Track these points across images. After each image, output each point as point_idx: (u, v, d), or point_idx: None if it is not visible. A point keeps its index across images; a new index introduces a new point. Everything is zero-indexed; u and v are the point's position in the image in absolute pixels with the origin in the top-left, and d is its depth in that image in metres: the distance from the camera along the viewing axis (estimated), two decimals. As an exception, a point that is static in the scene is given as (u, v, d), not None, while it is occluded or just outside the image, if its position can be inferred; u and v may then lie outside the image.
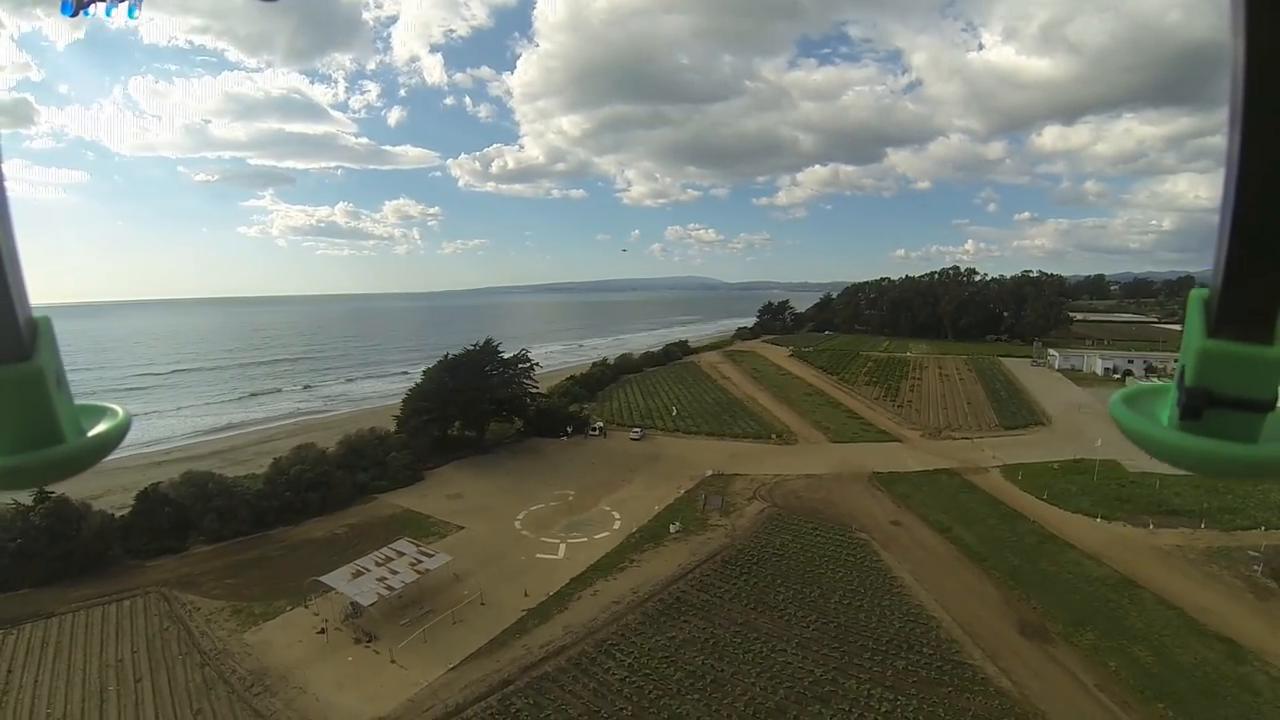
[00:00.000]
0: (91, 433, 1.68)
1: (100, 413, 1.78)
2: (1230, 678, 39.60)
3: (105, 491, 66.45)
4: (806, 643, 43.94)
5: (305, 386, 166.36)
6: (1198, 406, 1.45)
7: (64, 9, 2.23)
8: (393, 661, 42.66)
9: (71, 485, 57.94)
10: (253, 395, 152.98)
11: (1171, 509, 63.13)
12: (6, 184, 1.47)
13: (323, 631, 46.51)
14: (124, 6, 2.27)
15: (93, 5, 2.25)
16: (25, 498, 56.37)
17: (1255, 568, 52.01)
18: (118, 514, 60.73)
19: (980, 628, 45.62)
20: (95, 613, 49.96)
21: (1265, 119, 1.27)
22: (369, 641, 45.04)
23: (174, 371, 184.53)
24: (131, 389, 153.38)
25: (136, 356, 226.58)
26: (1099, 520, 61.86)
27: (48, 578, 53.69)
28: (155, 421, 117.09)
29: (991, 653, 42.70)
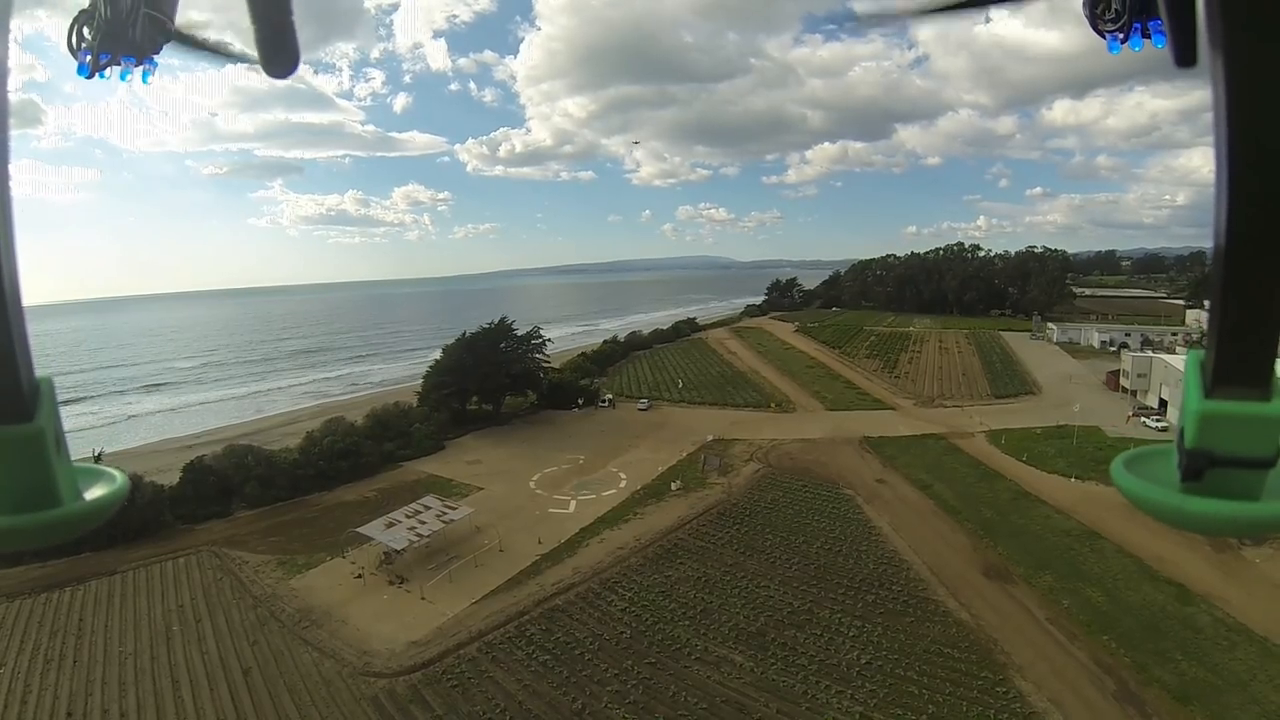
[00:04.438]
0: (89, 496, 1.71)
1: (98, 476, 1.81)
2: (1175, 617, 43.79)
3: (146, 472, 70.66)
4: (788, 580, 49.30)
5: (325, 372, 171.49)
6: (1199, 468, 1.46)
7: (80, 70, 2.28)
8: (423, 598, 48.54)
9: (120, 463, 63.64)
10: (275, 381, 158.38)
11: (1145, 470, 67.14)
12: (18, 256, 1.50)
13: (360, 576, 52.46)
14: (139, 71, 2.33)
15: (109, 69, 2.31)
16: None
17: (1217, 524, 55.95)
18: (165, 487, 66.29)
19: (947, 570, 50.56)
20: (154, 569, 55.72)
21: (1249, 183, 1.32)
22: (401, 584, 50.98)
23: (197, 365, 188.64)
24: (157, 384, 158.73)
25: (158, 350, 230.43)
26: (1073, 480, 65.86)
27: (108, 542, 58.52)
28: (183, 415, 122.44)
29: (954, 590, 47.65)
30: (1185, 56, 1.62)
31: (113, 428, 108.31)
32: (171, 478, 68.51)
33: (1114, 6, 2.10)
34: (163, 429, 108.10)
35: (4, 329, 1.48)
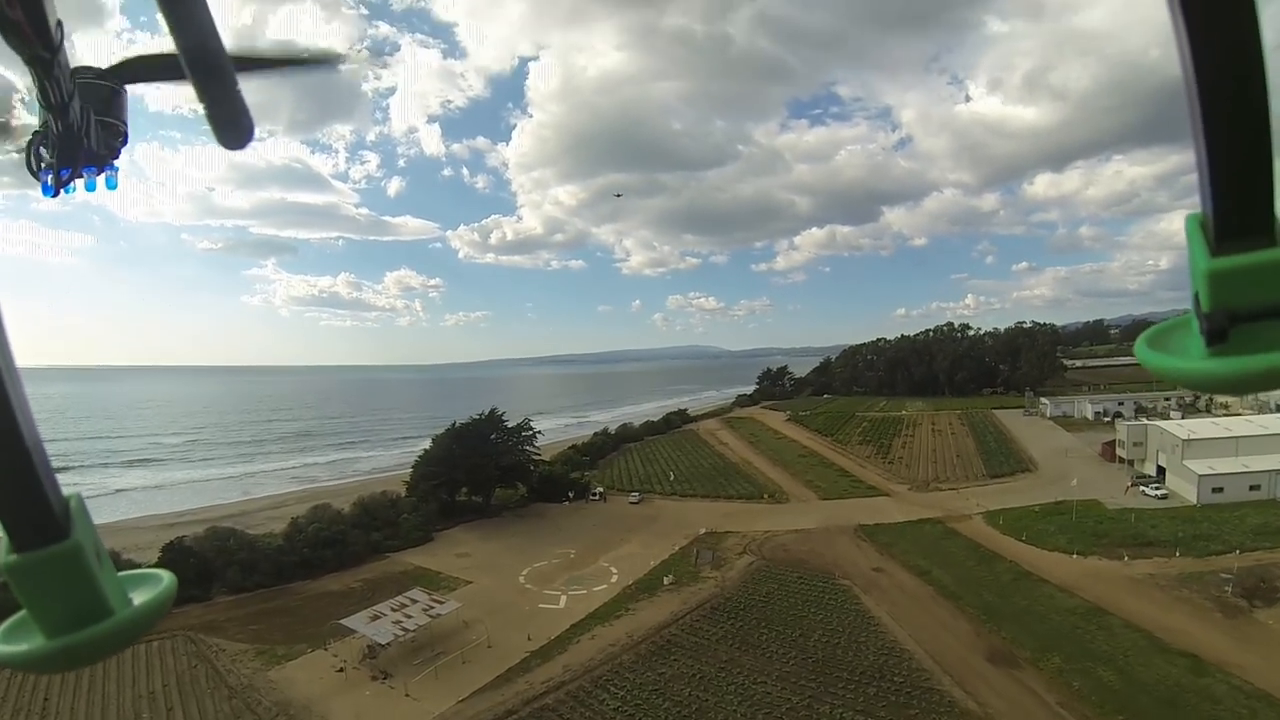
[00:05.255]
0: (138, 601, 1.71)
1: (144, 579, 1.81)
2: (1191, 689, 42.42)
3: (123, 549, 69.91)
4: (786, 675, 47.43)
5: (313, 456, 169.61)
6: (1222, 328, 1.40)
7: (45, 191, 2.29)
8: (407, 695, 46.70)
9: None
10: (263, 464, 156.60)
11: (1147, 540, 66.32)
12: (26, 390, 1.50)
13: (342, 670, 50.73)
14: (102, 178, 2.35)
15: (73, 182, 2.33)
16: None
17: (1225, 588, 54.50)
18: (142, 565, 64.61)
19: (950, 658, 48.88)
20: (125, 652, 53.36)
21: (1206, 23, 1.28)
22: (385, 679, 49.19)
23: (183, 442, 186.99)
24: (143, 458, 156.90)
25: (145, 424, 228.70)
26: (1074, 556, 64.94)
27: None
28: (167, 492, 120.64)
29: (959, 679, 45.95)
30: None
31: (94, 502, 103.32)
32: (150, 556, 66.81)
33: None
34: (145, 505, 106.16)
35: (28, 461, 1.49)
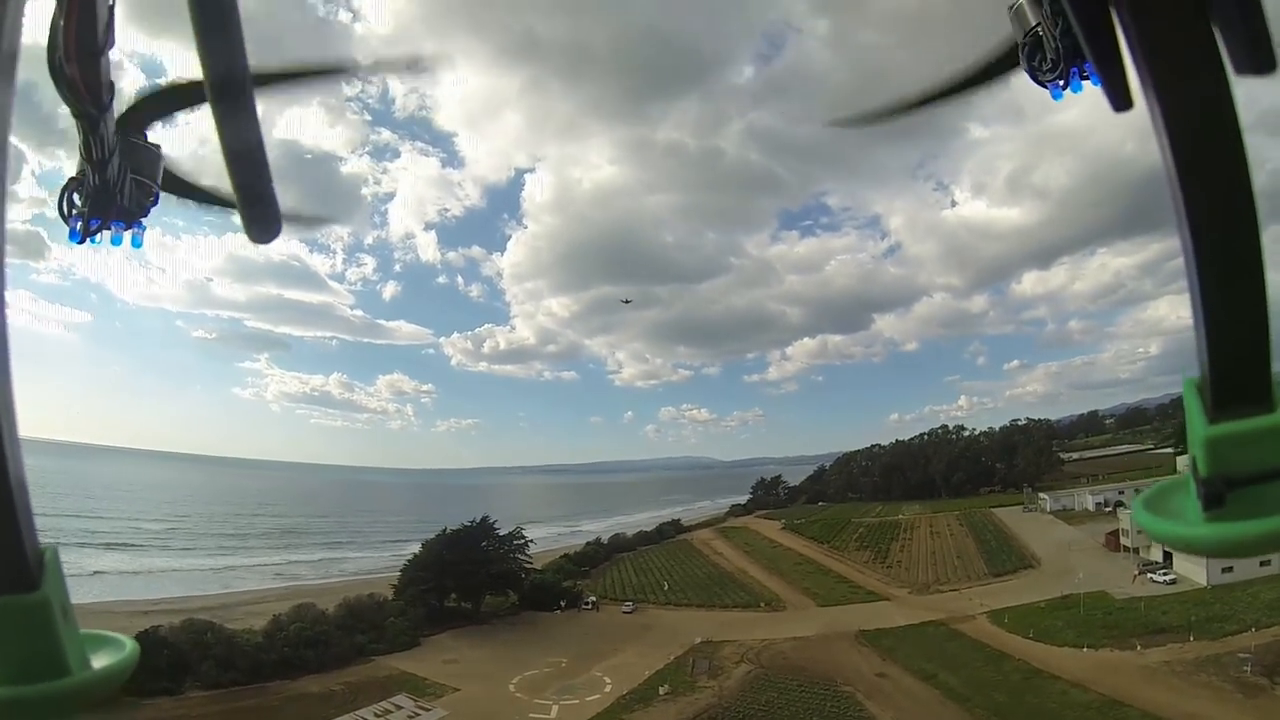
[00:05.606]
0: (98, 665, 1.68)
1: (106, 643, 1.78)
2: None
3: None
4: (788, 787, 44.48)
5: (298, 554, 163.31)
6: (1219, 494, 1.39)
7: (72, 237, 2.41)
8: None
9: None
10: (245, 558, 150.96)
11: (1159, 628, 64.34)
12: (18, 427, 1.52)
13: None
14: (129, 235, 2.48)
15: (100, 234, 2.45)
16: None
17: (1244, 668, 52.51)
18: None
19: (963, 763, 46.21)
20: None
21: (1202, 200, 1.34)
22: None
23: (165, 529, 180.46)
24: (121, 542, 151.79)
25: (126, 507, 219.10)
26: (1085, 650, 62.98)
27: None
28: (144, 579, 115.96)
29: (974, 787, 43.25)
30: (1120, 102, 1.74)
31: (69, 581, 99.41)
32: None
33: (1049, 56, 2.20)
34: (121, 589, 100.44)
35: (8, 501, 1.50)
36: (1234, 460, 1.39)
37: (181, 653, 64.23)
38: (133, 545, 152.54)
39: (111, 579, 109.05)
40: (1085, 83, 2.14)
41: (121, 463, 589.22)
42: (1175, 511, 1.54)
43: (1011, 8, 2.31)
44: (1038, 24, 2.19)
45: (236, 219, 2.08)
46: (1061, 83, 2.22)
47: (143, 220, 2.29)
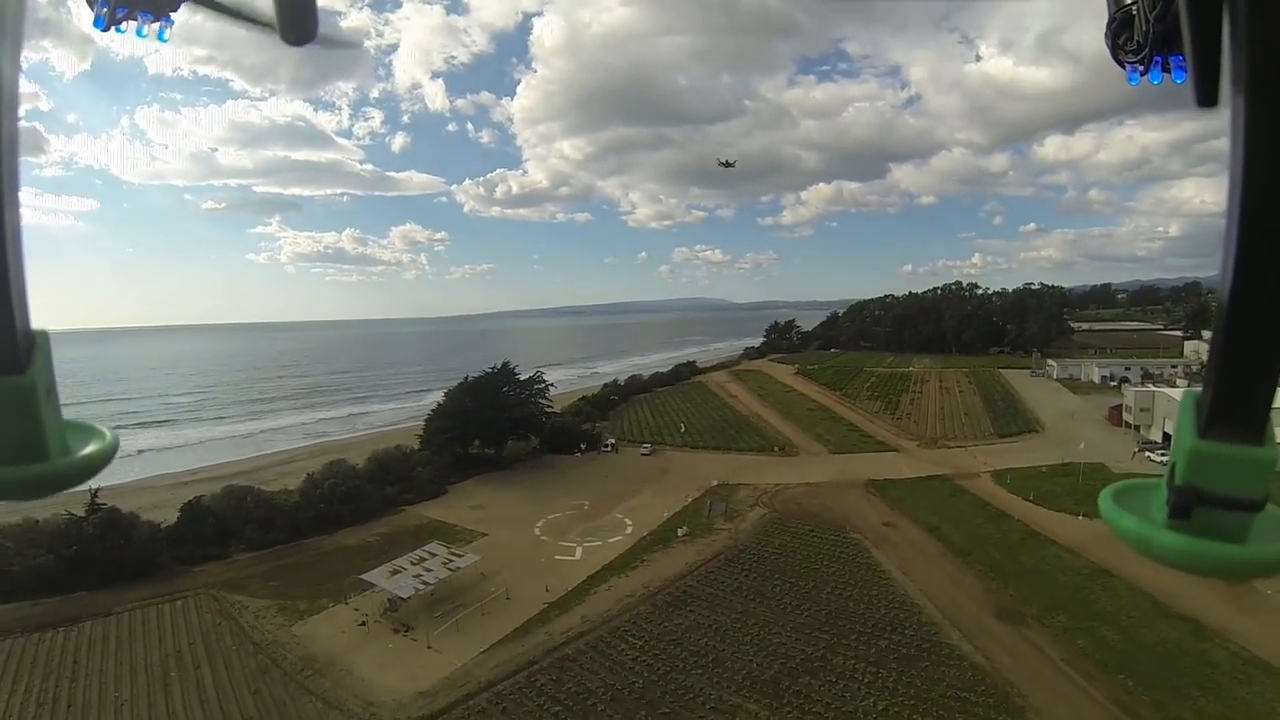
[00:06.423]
0: (78, 453, 1.71)
1: (88, 433, 1.81)
2: (1191, 652, 43.46)
3: (140, 508, 69.91)
4: (800, 627, 48.68)
5: (323, 412, 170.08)
6: (1187, 505, 1.47)
7: (96, 22, 2.22)
8: (429, 647, 47.85)
9: (113, 498, 63.35)
10: (273, 420, 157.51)
11: (1152, 504, 66.90)
12: (20, 202, 1.51)
13: (364, 624, 51.79)
14: (155, 28, 2.30)
15: (126, 23, 2.26)
16: (79, 508, 60.94)
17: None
18: (162, 524, 65.71)
19: (959, 613, 50.05)
20: (150, 611, 54.94)
21: (1262, 229, 1.32)
22: (406, 631, 50.29)
23: (193, 401, 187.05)
24: (153, 419, 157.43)
25: (154, 385, 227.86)
26: (1080, 518, 65.12)
27: (103, 581, 58.27)
28: (179, 452, 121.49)
29: (968, 633, 47.11)
30: (1207, 97, 1.63)
31: (114, 463, 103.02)
32: (166, 514, 67.82)
33: (1136, 38, 2.10)
34: (158, 464, 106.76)
35: (2, 279, 1.48)
36: (1210, 478, 1.47)
37: (225, 519, 67.95)
38: (167, 420, 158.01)
39: (148, 456, 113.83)
40: (1165, 76, 2.10)
41: (144, 342, 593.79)
42: (1140, 510, 1.64)
43: None
44: (1133, 2, 2.10)
45: (267, 22, 2.07)
46: (1141, 68, 2.14)
47: (171, 15, 2.16)
